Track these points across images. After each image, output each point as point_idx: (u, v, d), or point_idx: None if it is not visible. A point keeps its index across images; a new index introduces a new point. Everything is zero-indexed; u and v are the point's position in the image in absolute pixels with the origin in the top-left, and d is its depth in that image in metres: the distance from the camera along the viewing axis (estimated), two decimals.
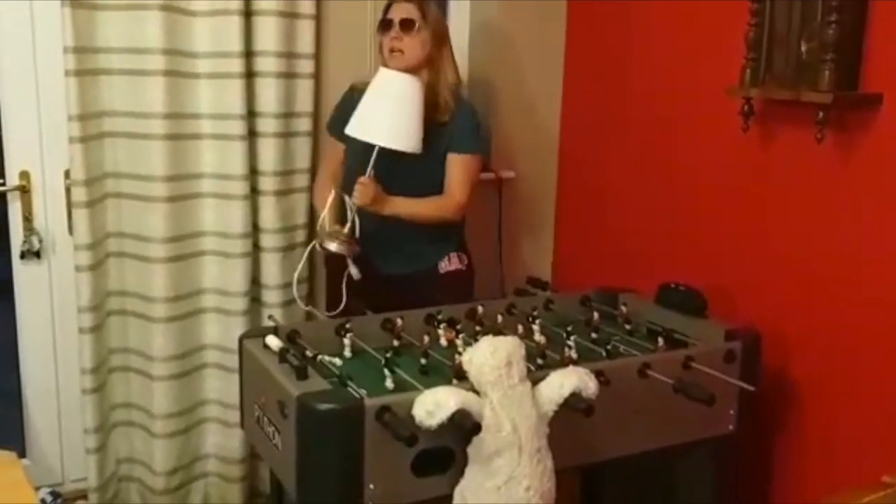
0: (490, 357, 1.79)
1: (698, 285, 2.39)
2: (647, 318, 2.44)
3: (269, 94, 2.64)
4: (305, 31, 2.68)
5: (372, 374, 2.01)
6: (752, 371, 2.17)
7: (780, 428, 2.36)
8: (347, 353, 2.19)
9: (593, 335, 2.33)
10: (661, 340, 2.22)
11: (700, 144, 2.59)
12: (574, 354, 2.13)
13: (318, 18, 2.72)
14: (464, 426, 1.71)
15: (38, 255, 2.66)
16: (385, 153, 2.34)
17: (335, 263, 2.55)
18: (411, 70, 2.45)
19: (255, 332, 2.19)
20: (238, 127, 2.59)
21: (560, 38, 3.17)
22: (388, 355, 2.02)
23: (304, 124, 2.75)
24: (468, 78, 3.13)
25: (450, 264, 2.62)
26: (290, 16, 2.63)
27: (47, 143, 2.61)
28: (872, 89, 2.08)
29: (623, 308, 2.47)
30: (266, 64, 2.62)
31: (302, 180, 2.78)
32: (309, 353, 2.04)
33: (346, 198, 2.43)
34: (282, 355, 1.98)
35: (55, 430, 2.77)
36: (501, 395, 1.77)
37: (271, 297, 2.76)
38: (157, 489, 2.71)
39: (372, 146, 2.34)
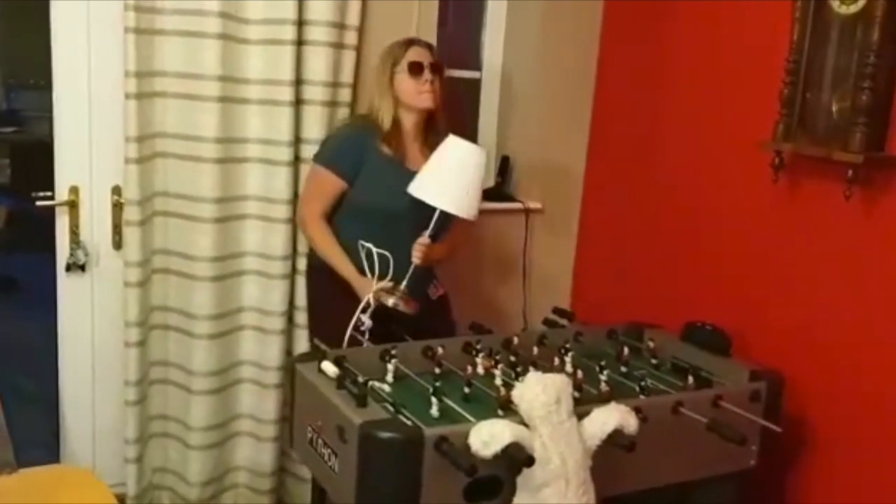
0: (541, 394, 1.90)
1: (718, 325, 2.52)
2: (673, 354, 2.56)
3: (314, 121, 2.73)
4: (348, 61, 2.77)
5: (417, 401, 2.11)
6: (774, 411, 2.30)
7: (796, 466, 2.48)
8: (390, 377, 2.29)
9: (622, 369, 2.44)
10: (690, 378, 2.34)
11: (729, 192, 2.72)
12: (606, 388, 2.24)
13: (359, 49, 2.81)
14: (518, 458, 1.82)
15: (82, 268, 2.74)
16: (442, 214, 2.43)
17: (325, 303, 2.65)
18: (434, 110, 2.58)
19: (307, 357, 2.29)
20: (285, 153, 2.69)
21: (591, 75, 3.30)
22: (438, 384, 2.13)
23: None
24: (499, 109, 3.27)
25: (437, 290, 2.75)
26: (336, 46, 2.73)
27: (97, 160, 2.70)
28: None
29: (650, 343, 2.59)
30: (313, 92, 2.72)
31: None
32: (361, 379, 2.14)
33: (371, 248, 2.48)
34: (339, 382, 2.08)
35: (89, 438, 2.85)
36: (551, 430, 1.88)
37: (304, 318, 2.85)
38: (190, 499, 2.79)
39: (426, 206, 2.42)
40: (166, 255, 2.71)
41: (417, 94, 2.55)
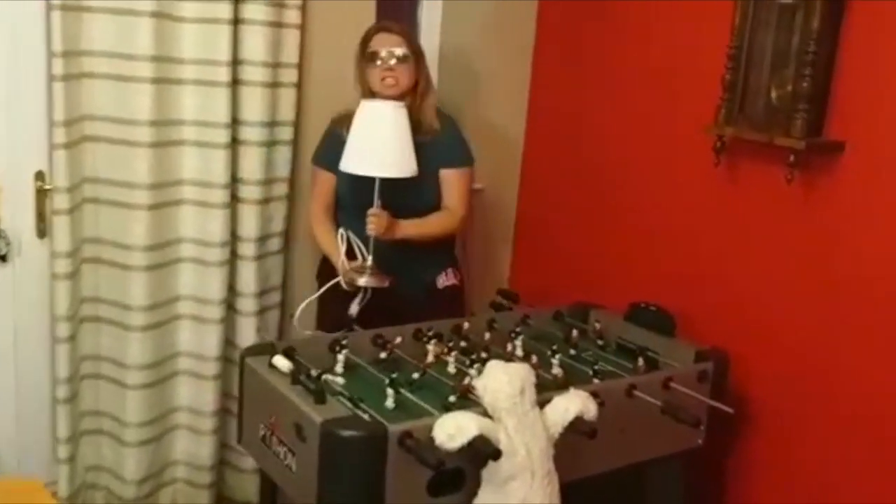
0: (506, 385, 1.89)
1: (662, 305, 2.57)
2: (618, 335, 2.61)
3: (252, 102, 2.64)
4: (291, 40, 2.68)
5: (372, 392, 2.08)
6: (721, 390, 2.37)
7: (740, 442, 2.56)
8: (339, 368, 2.25)
9: (571, 352, 2.47)
10: (640, 360, 2.38)
11: (672, 173, 2.76)
12: (561, 372, 2.26)
13: (304, 28, 2.72)
14: (485, 451, 1.81)
15: (3, 258, 2.58)
16: (381, 180, 2.43)
17: (333, 294, 2.59)
18: (401, 97, 2.52)
19: (257, 350, 2.23)
20: (222, 135, 2.59)
21: (528, 54, 3.29)
22: (394, 375, 2.10)
23: (286, 133, 2.76)
24: (437, 88, 3.21)
25: (447, 279, 2.74)
26: (276, 25, 2.63)
27: (18, 145, 2.53)
28: (836, 137, 2.28)
29: (596, 325, 2.62)
30: (251, 73, 2.62)
31: (281, 189, 2.80)
32: (314, 373, 2.10)
33: (348, 234, 2.53)
34: (294, 377, 2.03)
35: (13, 438, 2.69)
36: (516, 421, 1.88)
37: (247, 305, 2.78)
38: (126, 497, 2.69)
39: (370, 178, 2.42)
40: (97, 244, 2.58)
41: (380, 81, 2.55)
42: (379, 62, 2.54)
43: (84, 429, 2.69)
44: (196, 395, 2.75)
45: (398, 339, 2.37)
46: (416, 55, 2.59)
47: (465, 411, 1.90)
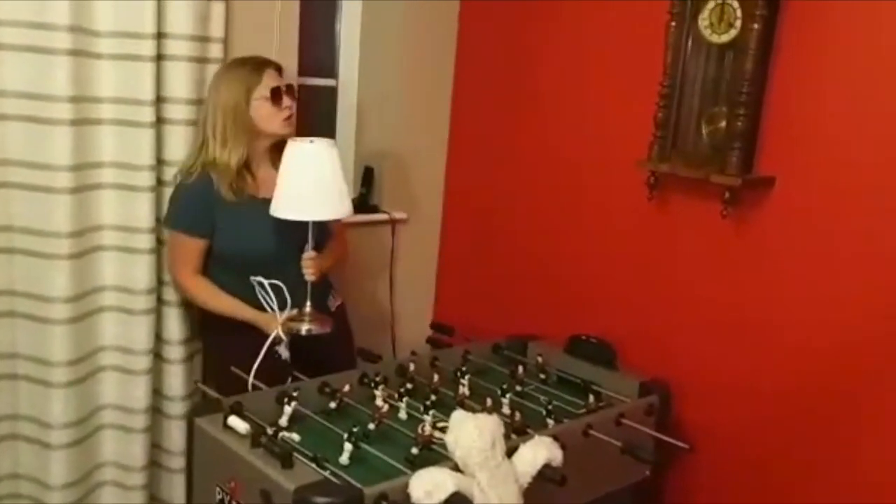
0: (477, 439, 1.87)
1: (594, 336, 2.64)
2: (558, 368, 2.64)
3: (178, 77, 2.48)
4: (217, 14, 2.54)
5: (328, 447, 2.02)
6: (664, 421, 2.43)
7: (683, 470, 2.62)
8: (284, 421, 2.17)
9: (518, 388, 2.48)
10: (591, 397, 2.41)
11: (603, 207, 2.81)
12: (518, 416, 2.25)
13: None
14: None
15: None
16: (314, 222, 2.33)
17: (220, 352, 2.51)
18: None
19: (205, 409, 2.12)
20: (147, 114, 2.42)
21: (448, 84, 3.28)
22: (355, 429, 2.04)
23: None
24: (358, 118, 3.17)
25: (335, 300, 2.67)
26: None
27: None
28: (767, 173, 2.38)
29: (539, 358, 2.64)
30: (177, 47, 2.46)
31: None
32: (269, 431, 2.02)
33: (270, 283, 2.34)
34: (254, 440, 1.94)
35: None
36: (489, 475, 1.87)
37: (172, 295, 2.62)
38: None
39: (290, 224, 2.30)
40: (9, 233, 2.37)
41: (280, 121, 2.42)
42: (282, 101, 2.40)
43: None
44: (124, 391, 2.56)
45: (346, 388, 2.31)
46: (296, 93, 2.52)
47: (439, 467, 1.87)
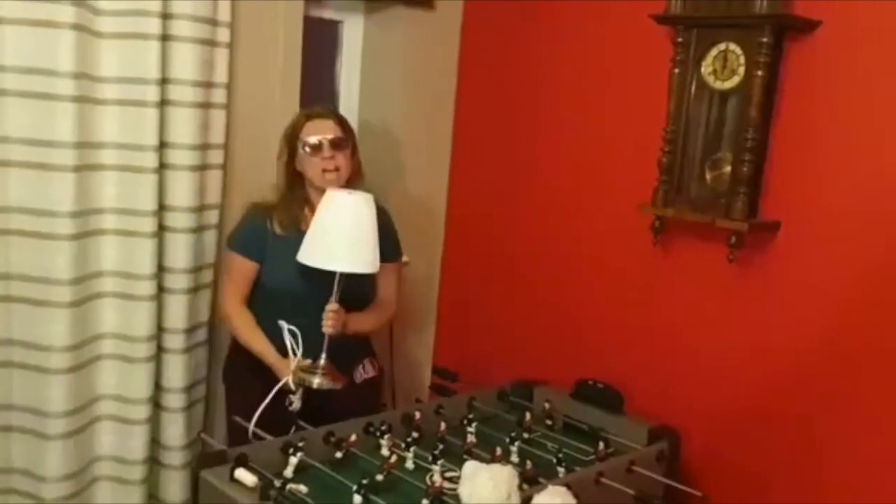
0: (493, 492, 1.84)
1: (601, 381, 2.61)
2: (564, 413, 2.61)
3: (183, 125, 2.47)
4: (221, 59, 2.54)
5: (333, 497, 1.99)
6: (674, 468, 2.40)
7: None
8: (289, 472, 2.13)
9: (525, 435, 2.44)
10: (601, 444, 2.38)
11: (608, 252, 2.80)
12: (516, 460, 2.23)
13: (232, 47, 2.58)
14: None
15: None
16: (342, 274, 2.30)
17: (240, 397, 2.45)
18: (345, 185, 2.44)
19: (210, 461, 2.07)
20: (150, 159, 2.41)
21: (448, 128, 3.29)
22: (365, 481, 1.99)
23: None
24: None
25: (365, 372, 2.61)
26: (208, 43, 2.48)
27: None
28: (772, 217, 2.39)
29: (546, 405, 2.61)
30: (181, 93, 2.45)
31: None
32: (277, 484, 1.97)
33: (289, 329, 2.35)
34: (263, 493, 1.90)
35: None
36: None
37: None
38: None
39: (321, 270, 2.28)
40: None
41: (318, 172, 2.43)
42: (320, 151, 2.41)
43: None
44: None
45: (353, 437, 2.27)
46: (353, 140, 2.51)
47: None
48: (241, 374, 2.52)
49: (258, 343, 2.43)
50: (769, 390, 2.43)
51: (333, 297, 2.31)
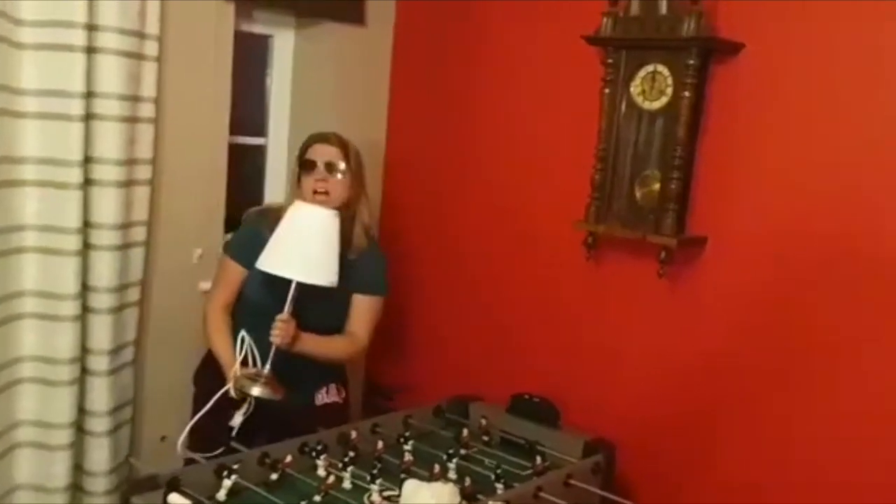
0: None
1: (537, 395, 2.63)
2: (501, 428, 2.61)
3: (110, 139, 2.40)
4: (149, 73, 2.48)
5: None
6: (609, 479, 2.43)
7: None
8: (222, 495, 2.08)
9: (462, 451, 2.44)
10: (538, 459, 2.40)
11: (542, 267, 2.84)
12: (454, 477, 2.23)
13: (161, 60, 2.53)
14: None
15: None
16: (298, 287, 2.28)
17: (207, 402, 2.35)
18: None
19: (141, 486, 2.00)
20: (74, 175, 2.33)
21: (381, 147, 3.28)
22: (303, 503, 1.96)
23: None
24: (288, 178, 3.11)
25: (326, 396, 2.58)
26: (135, 56, 2.42)
27: None
28: (699, 233, 2.46)
29: (482, 421, 2.62)
30: (108, 107, 2.38)
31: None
32: None
33: (247, 337, 2.34)
34: None
35: None
36: None
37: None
38: None
39: (285, 280, 2.26)
40: None
41: (309, 191, 2.44)
42: (313, 171, 2.43)
43: None
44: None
45: (288, 458, 2.22)
46: (353, 169, 2.49)
47: None
48: (210, 379, 2.45)
49: (218, 346, 2.43)
50: (698, 400, 2.50)
51: (287, 307, 2.29)
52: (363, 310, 2.54)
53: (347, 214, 2.46)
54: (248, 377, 2.30)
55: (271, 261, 2.29)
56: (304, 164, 2.45)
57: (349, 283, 2.46)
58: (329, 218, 2.31)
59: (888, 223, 2.13)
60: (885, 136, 2.12)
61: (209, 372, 2.48)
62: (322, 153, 2.46)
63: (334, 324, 2.52)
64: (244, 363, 2.34)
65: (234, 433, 2.33)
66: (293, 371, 2.38)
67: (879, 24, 2.12)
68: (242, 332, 2.34)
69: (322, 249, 2.29)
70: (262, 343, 2.32)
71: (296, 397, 2.44)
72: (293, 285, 2.27)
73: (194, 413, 2.43)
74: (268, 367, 2.30)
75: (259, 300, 2.42)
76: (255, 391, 2.27)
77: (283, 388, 2.31)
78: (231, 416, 2.34)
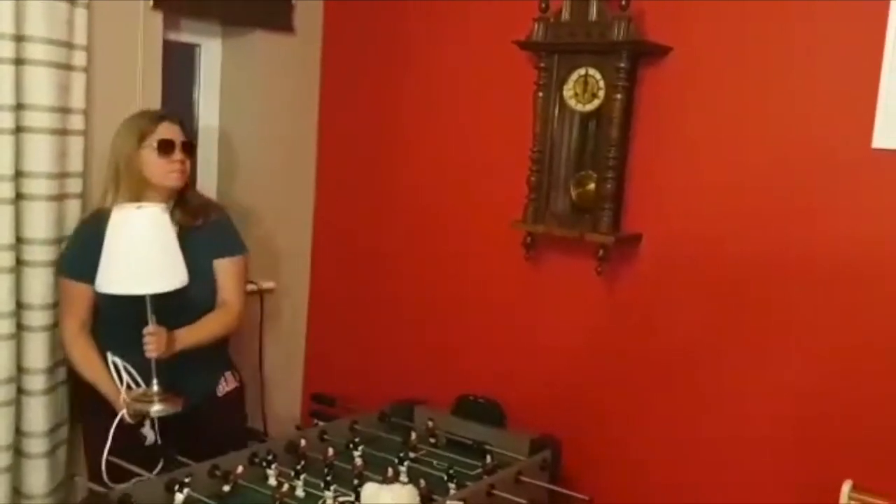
0: None
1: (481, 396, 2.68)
2: (447, 430, 2.64)
3: (39, 153, 2.33)
4: (78, 84, 2.42)
5: None
6: (556, 474, 2.49)
7: None
8: None
9: (411, 454, 2.46)
10: (488, 458, 2.43)
11: (481, 268, 2.87)
12: (423, 484, 2.24)
13: (89, 71, 2.47)
14: None
15: None
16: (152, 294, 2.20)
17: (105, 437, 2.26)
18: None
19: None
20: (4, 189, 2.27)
21: (312, 146, 3.27)
22: None
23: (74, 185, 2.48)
24: (219, 177, 3.10)
25: (226, 385, 2.56)
26: (64, 67, 2.36)
27: None
28: (634, 230, 2.55)
29: (429, 423, 2.64)
30: (37, 119, 2.32)
31: None
32: None
33: (117, 360, 2.30)
34: None
35: None
36: None
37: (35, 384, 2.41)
38: None
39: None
40: None
41: (166, 173, 2.34)
42: (172, 154, 2.33)
43: None
44: None
45: (239, 469, 2.21)
46: (193, 151, 2.49)
47: None
48: (96, 413, 2.34)
49: (94, 376, 2.31)
50: (637, 394, 2.57)
51: (150, 321, 2.20)
52: (228, 274, 2.47)
53: (187, 188, 2.42)
54: (139, 400, 2.25)
55: (113, 280, 2.16)
56: (162, 146, 2.32)
57: (205, 251, 2.42)
58: (158, 215, 2.19)
59: (818, 219, 2.23)
60: (812, 132, 2.22)
61: (88, 403, 2.38)
62: (173, 133, 2.36)
63: (209, 297, 2.45)
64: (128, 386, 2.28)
65: (160, 446, 2.30)
66: (189, 369, 2.33)
67: (802, 25, 2.22)
68: (111, 357, 2.28)
69: (162, 252, 2.18)
70: (137, 357, 2.25)
71: (197, 393, 2.41)
72: (147, 298, 2.17)
73: (93, 451, 2.35)
74: (154, 382, 2.24)
75: (119, 315, 2.27)
76: (155, 410, 2.23)
77: (179, 398, 2.27)
78: (137, 437, 2.29)
